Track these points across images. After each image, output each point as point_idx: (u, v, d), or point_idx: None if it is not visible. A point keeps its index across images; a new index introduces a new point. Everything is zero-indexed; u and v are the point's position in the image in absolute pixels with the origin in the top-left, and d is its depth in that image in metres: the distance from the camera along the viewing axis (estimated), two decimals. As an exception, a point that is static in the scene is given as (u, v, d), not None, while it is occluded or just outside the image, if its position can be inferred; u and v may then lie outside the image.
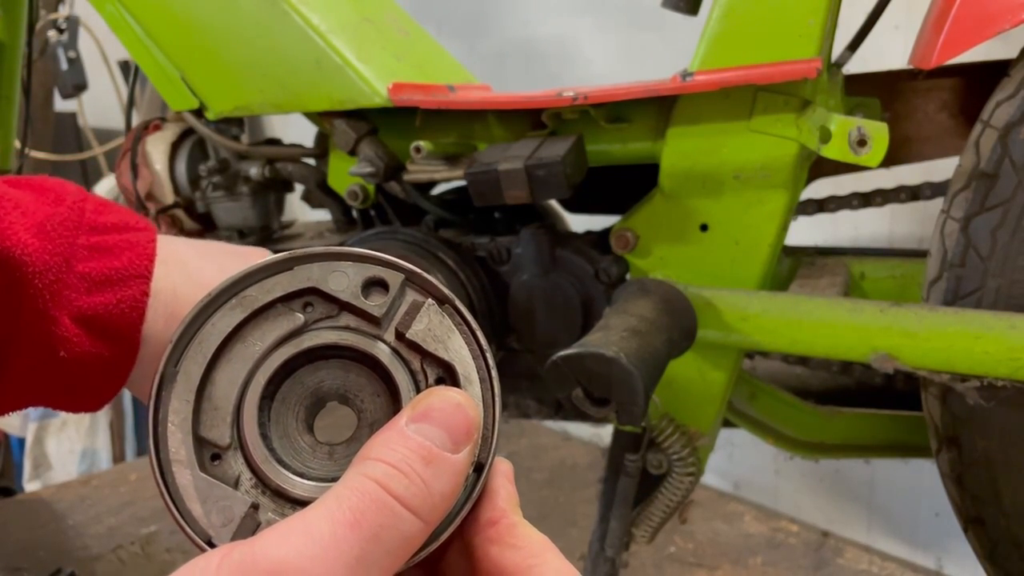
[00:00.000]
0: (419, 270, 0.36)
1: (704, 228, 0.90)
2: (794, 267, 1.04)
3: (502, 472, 0.35)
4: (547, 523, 1.67)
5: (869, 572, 1.49)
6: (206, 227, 1.18)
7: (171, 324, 0.46)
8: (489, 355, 0.35)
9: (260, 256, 0.49)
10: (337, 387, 0.36)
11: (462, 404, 0.33)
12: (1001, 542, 0.85)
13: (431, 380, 0.35)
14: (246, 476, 0.33)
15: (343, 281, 0.35)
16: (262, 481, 0.33)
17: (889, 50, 1.12)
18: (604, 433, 1.89)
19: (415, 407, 0.33)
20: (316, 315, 0.35)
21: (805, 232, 1.23)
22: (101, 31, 2.19)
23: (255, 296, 0.35)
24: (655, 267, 0.93)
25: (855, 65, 0.95)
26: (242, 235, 1.15)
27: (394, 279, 0.35)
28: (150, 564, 1.58)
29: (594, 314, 0.97)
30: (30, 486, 2.22)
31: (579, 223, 1.12)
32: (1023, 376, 0.74)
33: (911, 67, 0.84)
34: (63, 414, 2.26)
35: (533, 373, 1.05)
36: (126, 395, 2.19)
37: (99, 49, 2.43)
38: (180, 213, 1.17)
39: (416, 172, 0.95)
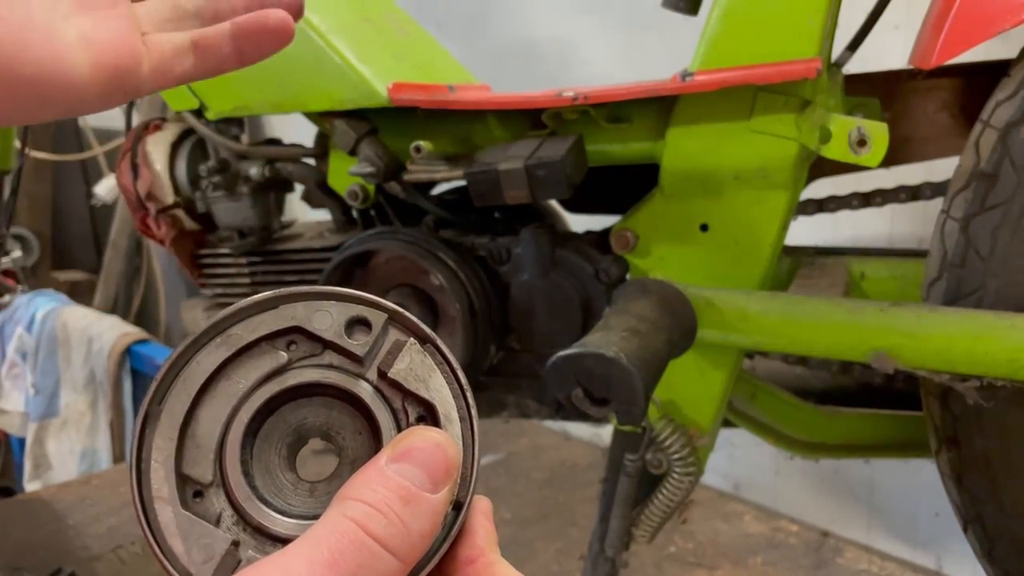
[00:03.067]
0: (402, 310, 0.36)
1: (704, 228, 0.90)
2: (794, 267, 1.04)
3: (481, 510, 0.36)
4: (547, 523, 1.67)
5: (869, 572, 1.49)
6: (206, 227, 1.18)
7: None
8: (469, 394, 0.36)
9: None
10: (320, 424, 0.36)
11: (441, 444, 0.33)
12: (1001, 542, 0.85)
13: (412, 418, 0.35)
14: (228, 513, 0.34)
15: (327, 320, 0.36)
16: (243, 518, 0.34)
17: (889, 50, 1.12)
18: (604, 433, 1.89)
19: (395, 447, 0.33)
20: (300, 353, 0.36)
21: (805, 232, 1.23)
22: (101, 31, 2.18)
23: (240, 334, 0.35)
24: (655, 267, 0.93)
25: (855, 65, 0.95)
26: (242, 235, 1.15)
27: (377, 318, 0.36)
28: (150, 564, 1.58)
29: (594, 314, 0.97)
30: (30, 486, 2.22)
31: (579, 223, 1.12)
32: (1023, 376, 0.74)
33: (911, 67, 0.84)
34: (63, 414, 2.26)
35: (533, 373, 1.05)
36: (126, 395, 2.19)
37: (99, 49, 2.43)
38: (180, 213, 1.17)
39: (416, 172, 0.95)
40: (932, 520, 1.46)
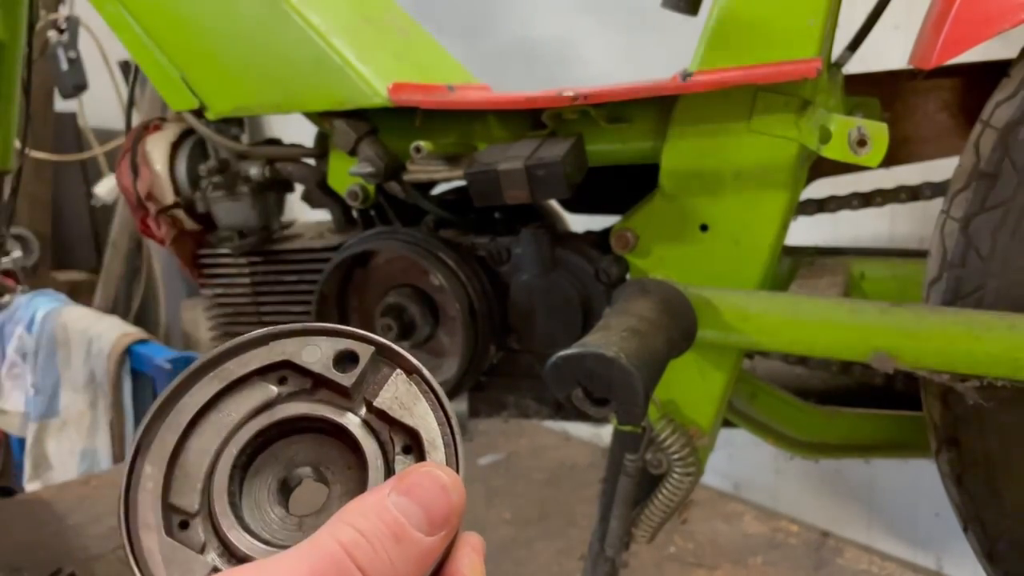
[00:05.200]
0: (389, 342, 0.38)
1: (704, 228, 0.90)
2: (794, 267, 1.04)
3: (470, 543, 0.35)
4: (547, 523, 1.67)
5: (869, 572, 1.49)
6: (206, 227, 1.18)
7: None
8: (454, 421, 0.37)
9: None
10: (310, 460, 0.37)
11: (448, 487, 0.32)
12: (1001, 542, 0.85)
13: (398, 448, 0.36)
14: (213, 544, 0.34)
15: (316, 354, 0.37)
16: (228, 549, 0.34)
17: (889, 50, 1.12)
18: (604, 433, 1.89)
19: (402, 479, 0.32)
20: (290, 388, 0.37)
21: (805, 232, 1.23)
22: (101, 31, 2.19)
23: (232, 369, 0.37)
24: (655, 267, 0.93)
25: (855, 65, 0.95)
26: (242, 235, 1.15)
27: (364, 351, 0.37)
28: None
29: (594, 314, 0.97)
30: (30, 486, 2.22)
31: (579, 223, 1.12)
32: (1023, 376, 0.74)
33: (911, 67, 0.84)
34: (63, 414, 2.26)
35: (533, 373, 1.05)
36: (126, 396, 2.19)
37: (99, 49, 2.43)
38: (180, 213, 1.17)
39: (416, 172, 0.95)
40: (932, 520, 1.46)
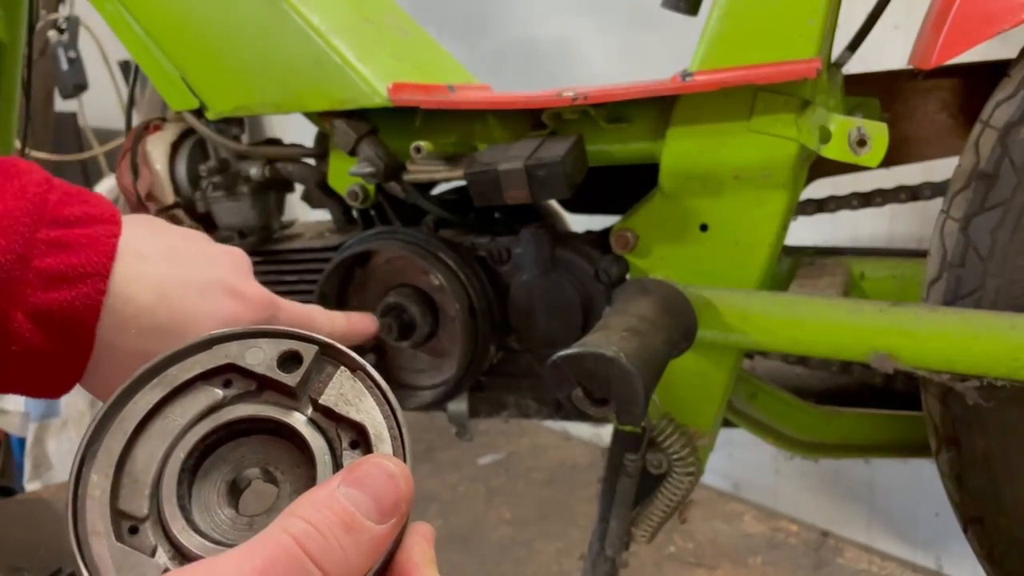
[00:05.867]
0: (331, 341, 0.38)
1: (704, 228, 0.90)
2: (794, 267, 1.04)
3: (420, 532, 0.36)
4: (547, 523, 1.67)
5: (869, 572, 1.49)
6: (207, 227, 1.18)
7: (124, 328, 0.46)
8: (399, 414, 0.37)
9: (232, 259, 0.50)
10: (258, 460, 0.37)
11: (396, 476, 0.33)
12: (1001, 542, 0.85)
13: (345, 443, 0.36)
14: (164, 547, 0.35)
15: (259, 356, 0.37)
16: (179, 551, 0.34)
17: (889, 50, 1.12)
18: (604, 433, 1.89)
19: (351, 471, 0.33)
20: (236, 390, 0.37)
21: (805, 232, 1.23)
22: (101, 31, 2.19)
23: (175, 375, 0.37)
24: (655, 267, 0.93)
25: (855, 65, 0.96)
26: (242, 235, 1.15)
27: (308, 351, 0.37)
28: (150, 564, 1.58)
29: (594, 314, 0.97)
30: (30, 486, 2.22)
31: (579, 223, 1.12)
32: (1023, 376, 0.74)
33: (911, 67, 0.84)
34: (64, 414, 2.26)
35: (533, 373, 1.05)
36: (126, 395, 2.20)
37: (99, 49, 2.43)
38: (180, 213, 1.17)
39: (416, 172, 0.95)
40: (932, 520, 1.46)
